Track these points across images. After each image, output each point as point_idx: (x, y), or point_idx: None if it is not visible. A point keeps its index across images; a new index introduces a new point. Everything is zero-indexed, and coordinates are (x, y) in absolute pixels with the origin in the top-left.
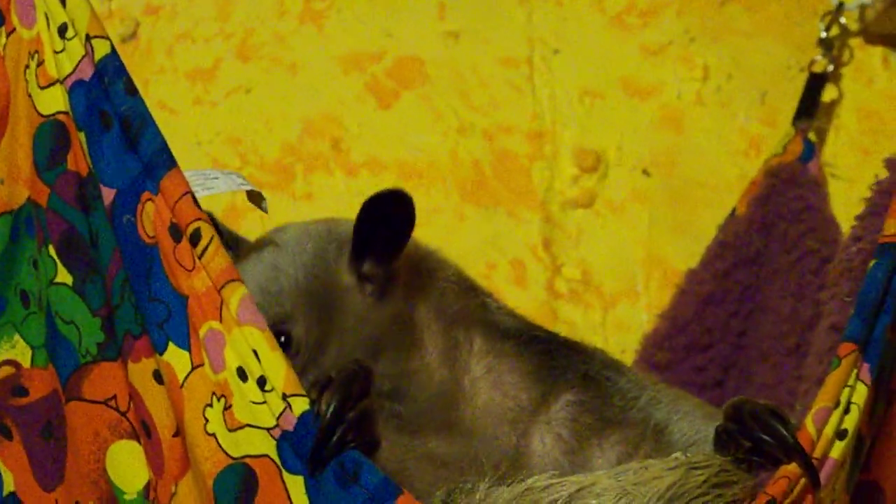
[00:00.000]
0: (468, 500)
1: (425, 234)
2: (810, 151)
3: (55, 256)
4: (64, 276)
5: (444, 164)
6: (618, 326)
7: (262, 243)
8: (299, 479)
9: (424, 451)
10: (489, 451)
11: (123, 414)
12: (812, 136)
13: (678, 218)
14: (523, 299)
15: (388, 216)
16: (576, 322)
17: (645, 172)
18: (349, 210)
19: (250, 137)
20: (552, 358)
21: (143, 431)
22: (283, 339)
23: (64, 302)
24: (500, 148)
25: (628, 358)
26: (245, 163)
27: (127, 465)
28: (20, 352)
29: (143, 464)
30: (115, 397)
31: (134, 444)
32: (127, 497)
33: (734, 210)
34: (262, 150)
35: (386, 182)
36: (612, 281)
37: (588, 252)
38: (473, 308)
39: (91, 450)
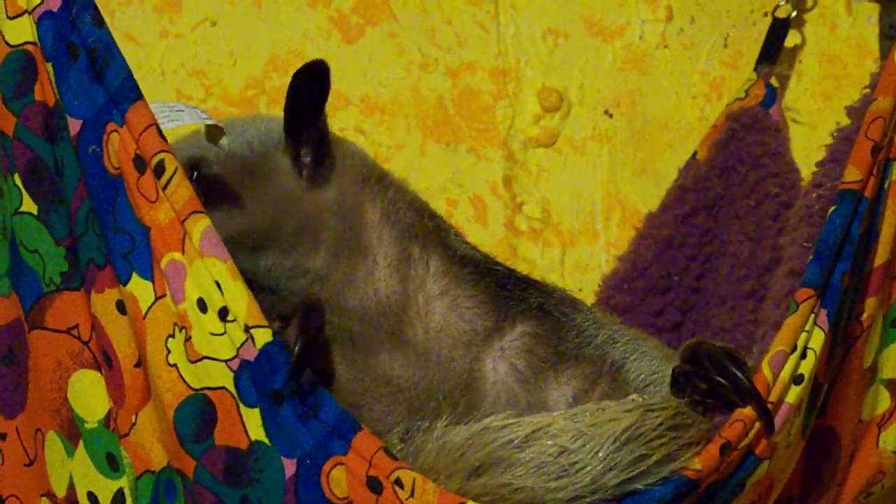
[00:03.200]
0: (425, 439)
1: (388, 169)
2: (772, 96)
3: (20, 185)
4: (29, 205)
5: (407, 101)
6: (576, 265)
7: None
8: (255, 412)
9: (379, 373)
10: (443, 374)
11: (85, 343)
12: (774, 81)
13: (639, 159)
14: (483, 236)
15: (316, 99)
16: (535, 260)
17: (607, 113)
18: None
19: (215, 70)
20: (510, 290)
21: (105, 361)
22: (193, 175)
23: (28, 231)
24: (464, 85)
25: (587, 298)
26: (209, 94)
27: (88, 394)
28: None
29: (104, 393)
30: (77, 326)
31: (95, 373)
32: (88, 426)
33: (695, 153)
34: (227, 82)
35: (350, 117)
36: (572, 220)
37: (549, 191)
38: (431, 228)
39: (53, 378)
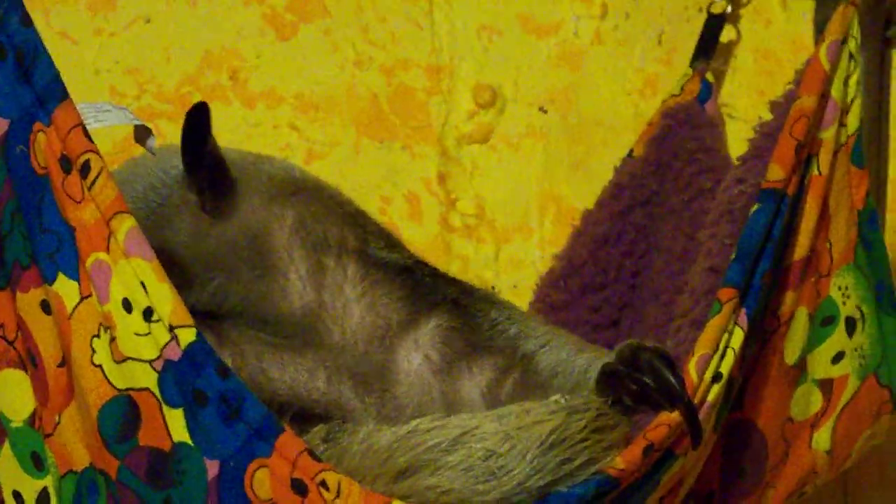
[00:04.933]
0: (350, 440)
1: (322, 167)
2: (707, 92)
3: None
4: None
5: (341, 98)
6: (511, 262)
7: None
8: (179, 413)
9: (299, 373)
10: (359, 366)
11: (11, 343)
12: (710, 76)
13: (574, 156)
14: (418, 233)
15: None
16: (469, 257)
17: (542, 109)
18: (246, 141)
19: (149, 67)
20: (426, 285)
21: (30, 361)
22: None
23: None
24: (398, 82)
25: (522, 294)
26: (143, 92)
27: (13, 393)
28: None
29: (29, 393)
30: (2, 326)
31: (21, 372)
32: (13, 425)
33: (631, 151)
34: (161, 80)
35: (284, 114)
36: (507, 217)
37: (483, 187)
38: (347, 236)
39: None
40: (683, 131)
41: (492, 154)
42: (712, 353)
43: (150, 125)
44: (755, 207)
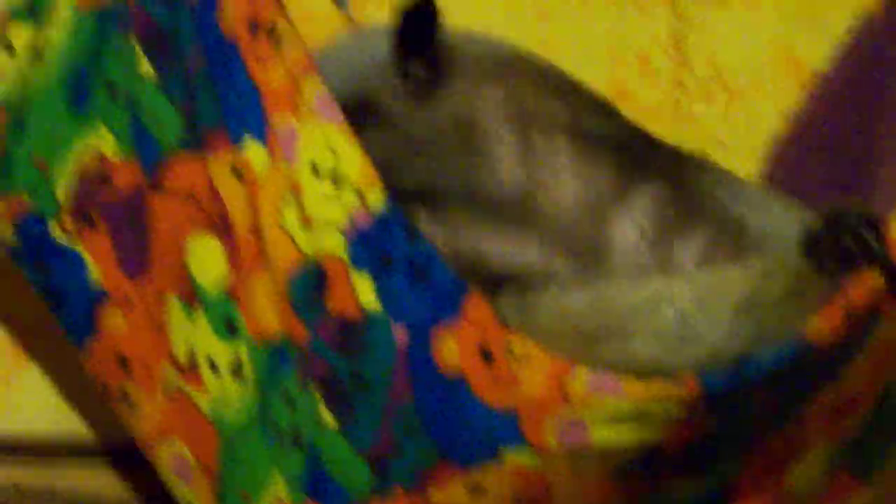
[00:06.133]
0: (542, 301)
1: (550, 27)
2: None
3: (139, 49)
4: (147, 70)
5: None
6: (745, 122)
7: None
8: (367, 278)
9: (509, 238)
10: (571, 238)
11: (203, 208)
12: None
13: (811, 13)
14: (650, 93)
15: (424, 21)
16: (703, 117)
17: None
18: (472, 2)
19: None
20: (637, 155)
21: (222, 226)
22: None
23: (147, 94)
24: None
25: (755, 157)
26: None
27: (206, 258)
28: (106, 142)
29: (222, 258)
30: (194, 190)
31: (213, 238)
32: (206, 290)
33: (867, 11)
34: None
35: None
36: (742, 77)
37: (718, 47)
38: (557, 110)
39: (172, 242)
40: None
41: (727, 14)
42: None
43: None
44: None
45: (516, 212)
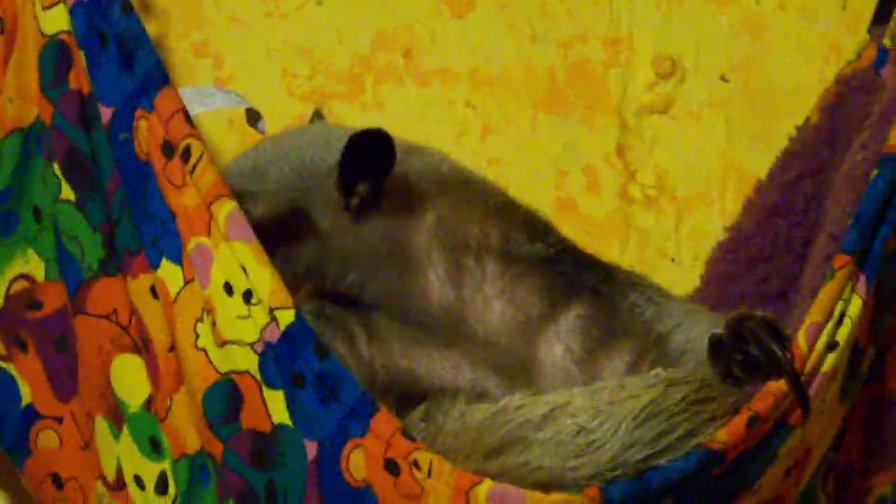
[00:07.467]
0: (445, 419)
1: (497, 143)
2: (884, 57)
3: (59, 174)
4: (67, 193)
5: (517, 74)
6: (692, 233)
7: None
8: (279, 395)
9: (441, 359)
10: (501, 357)
11: (125, 328)
12: (887, 41)
13: (756, 125)
14: (596, 206)
15: (373, 150)
16: (649, 228)
17: (723, 78)
18: (420, 120)
19: (321, 48)
20: (565, 274)
21: (143, 346)
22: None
23: (68, 218)
24: (576, 55)
25: (700, 267)
26: (315, 72)
27: (129, 378)
28: (34, 266)
29: (144, 377)
30: (116, 312)
31: (136, 357)
32: (130, 410)
33: (807, 119)
34: (333, 60)
35: (459, 91)
36: (687, 188)
37: (663, 159)
38: (490, 234)
39: (96, 363)
40: (857, 98)
41: (673, 125)
42: (824, 321)
43: (322, 106)
44: (875, 173)
45: (447, 332)
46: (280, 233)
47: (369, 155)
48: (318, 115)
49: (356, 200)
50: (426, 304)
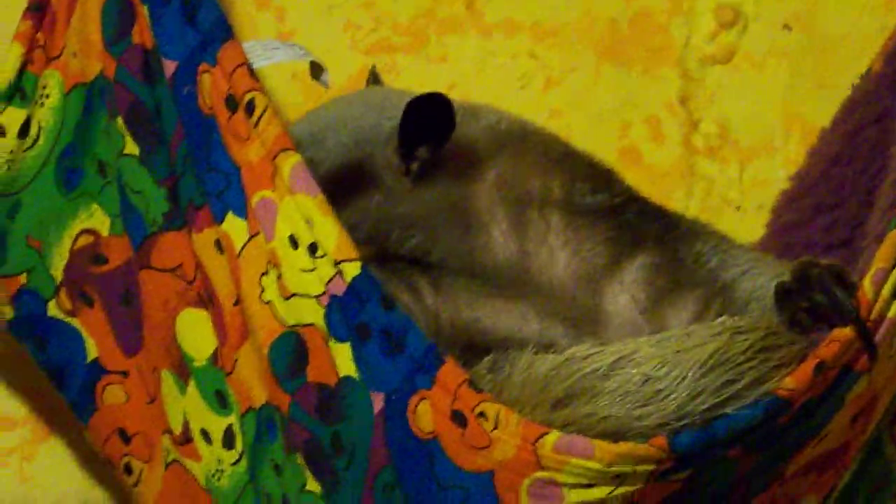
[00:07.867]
0: (512, 370)
1: (560, 94)
2: None
3: (123, 128)
4: (132, 148)
5: (579, 24)
6: (755, 182)
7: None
8: (345, 347)
9: (508, 311)
10: (567, 309)
11: (190, 283)
12: None
13: (819, 73)
14: (660, 156)
15: (432, 114)
16: (713, 177)
17: (785, 27)
18: (483, 70)
19: (384, 0)
20: (629, 224)
21: (209, 300)
22: None
23: (132, 172)
24: (638, 5)
25: (764, 216)
26: (379, 25)
27: (195, 332)
28: (99, 221)
29: (210, 331)
30: (181, 266)
31: (201, 312)
32: (197, 364)
33: (870, 67)
34: (396, 12)
35: (522, 42)
36: (750, 137)
37: (726, 108)
38: (552, 186)
39: (162, 317)
40: None
41: (735, 74)
42: (891, 267)
43: (386, 58)
44: None
45: (513, 285)
46: (340, 200)
47: (428, 119)
48: (374, 74)
49: (416, 165)
50: (491, 259)
